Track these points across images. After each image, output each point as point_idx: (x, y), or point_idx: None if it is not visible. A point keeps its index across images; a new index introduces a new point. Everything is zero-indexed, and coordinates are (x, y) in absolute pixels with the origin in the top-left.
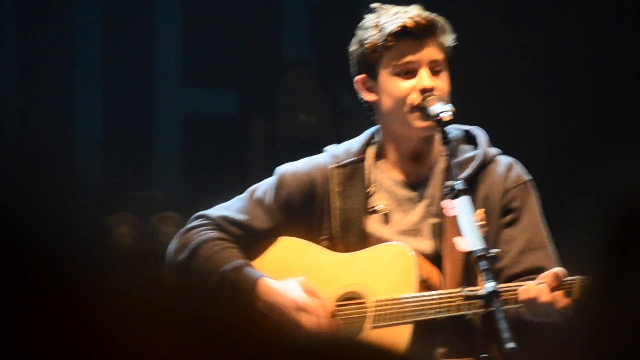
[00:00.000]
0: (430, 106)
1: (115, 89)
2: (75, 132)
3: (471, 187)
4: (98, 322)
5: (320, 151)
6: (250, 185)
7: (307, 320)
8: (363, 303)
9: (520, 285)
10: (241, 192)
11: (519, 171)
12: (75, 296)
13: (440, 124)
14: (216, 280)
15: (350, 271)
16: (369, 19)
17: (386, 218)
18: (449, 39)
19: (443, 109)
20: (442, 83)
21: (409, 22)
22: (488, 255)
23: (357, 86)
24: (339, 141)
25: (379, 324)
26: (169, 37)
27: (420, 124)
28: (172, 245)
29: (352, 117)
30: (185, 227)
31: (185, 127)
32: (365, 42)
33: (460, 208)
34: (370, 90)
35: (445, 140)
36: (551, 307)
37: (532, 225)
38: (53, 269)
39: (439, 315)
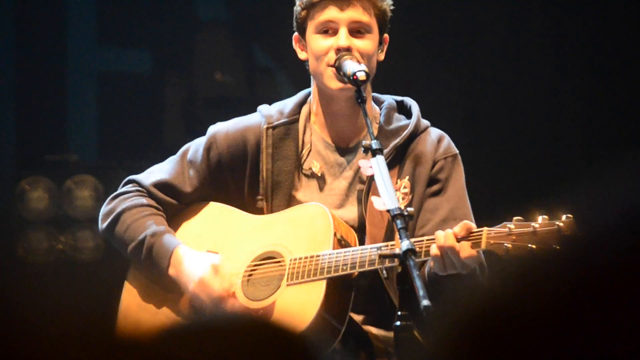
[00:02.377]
0: (343, 65)
1: (28, 49)
2: None
3: (401, 155)
4: (8, 290)
5: (245, 110)
6: (165, 146)
7: (205, 295)
8: (280, 262)
9: (432, 240)
10: (157, 154)
11: (449, 144)
12: None
13: (354, 83)
14: (136, 245)
15: (269, 232)
16: None
17: (317, 181)
18: (381, 3)
19: (356, 69)
20: (363, 44)
21: None
22: (404, 214)
23: (294, 44)
24: (255, 100)
25: (294, 281)
26: None
27: (334, 82)
28: (102, 210)
29: (268, 76)
30: (114, 193)
31: (99, 87)
32: (298, 0)
33: (377, 168)
34: (302, 48)
35: (359, 99)
36: (458, 257)
37: (456, 196)
38: None
39: (352, 271)
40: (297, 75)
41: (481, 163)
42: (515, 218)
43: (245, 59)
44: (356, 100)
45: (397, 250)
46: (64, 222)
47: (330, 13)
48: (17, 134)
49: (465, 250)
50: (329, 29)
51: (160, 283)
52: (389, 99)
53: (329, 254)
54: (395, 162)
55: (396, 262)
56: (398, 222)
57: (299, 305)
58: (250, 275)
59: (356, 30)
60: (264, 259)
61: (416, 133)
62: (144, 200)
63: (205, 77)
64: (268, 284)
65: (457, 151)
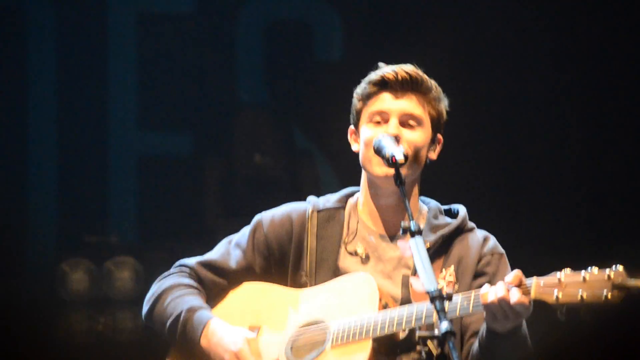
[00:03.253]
0: (381, 146)
1: (69, 133)
2: (29, 177)
3: (447, 245)
4: None
5: (285, 192)
6: (205, 228)
7: None
8: (325, 326)
9: (478, 293)
10: (197, 235)
11: (495, 243)
12: (28, 345)
13: (393, 165)
14: (173, 321)
15: (314, 301)
16: (368, 75)
17: (361, 260)
18: (435, 99)
19: (394, 151)
20: (412, 136)
21: (390, 74)
22: (442, 295)
23: (349, 137)
24: (295, 181)
25: (338, 343)
26: (123, 81)
27: (380, 168)
28: (146, 297)
29: (308, 157)
30: (161, 275)
31: (139, 170)
32: (355, 93)
33: (415, 248)
34: (355, 140)
35: (398, 181)
36: (510, 305)
37: None
38: (4, 317)
39: (398, 329)
40: (337, 158)
41: (524, 219)
42: (564, 269)
43: (285, 141)
44: (394, 181)
45: (436, 332)
46: (104, 303)
47: (384, 101)
48: (58, 215)
49: (516, 295)
50: (380, 120)
51: (194, 357)
52: (436, 202)
53: (374, 316)
54: (442, 251)
55: (435, 344)
56: (437, 303)
57: None
58: (294, 341)
59: (407, 123)
60: (308, 325)
61: (463, 228)
62: (185, 280)
63: (246, 158)
64: (312, 348)
65: (504, 251)
